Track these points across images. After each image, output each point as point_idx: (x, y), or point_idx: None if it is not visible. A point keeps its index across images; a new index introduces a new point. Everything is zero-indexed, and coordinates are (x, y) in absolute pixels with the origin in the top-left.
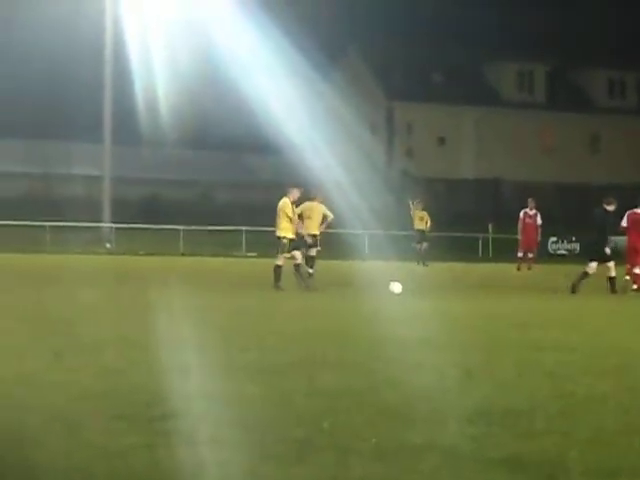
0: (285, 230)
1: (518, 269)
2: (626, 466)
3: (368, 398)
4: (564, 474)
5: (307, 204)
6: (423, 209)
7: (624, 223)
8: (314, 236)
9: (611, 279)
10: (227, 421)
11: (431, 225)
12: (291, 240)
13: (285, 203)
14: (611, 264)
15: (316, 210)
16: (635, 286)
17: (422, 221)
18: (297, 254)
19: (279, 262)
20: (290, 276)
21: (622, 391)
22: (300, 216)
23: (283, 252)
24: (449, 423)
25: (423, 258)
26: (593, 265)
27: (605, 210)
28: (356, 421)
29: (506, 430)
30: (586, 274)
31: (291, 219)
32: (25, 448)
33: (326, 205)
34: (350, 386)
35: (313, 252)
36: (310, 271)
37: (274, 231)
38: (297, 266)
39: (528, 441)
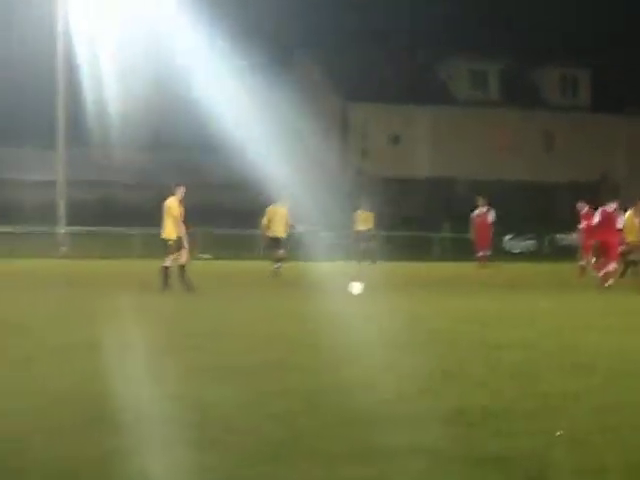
0: (170, 232)
1: (480, 267)
2: (608, 464)
3: (343, 400)
4: (553, 473)
5: (272, 208)
6: (369, 211)
7: (596, 219)
8: (278, 239)
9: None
10: (203, 424)
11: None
12: (177, 241)
13: (172, 203)
14: None
15: (279, 213)
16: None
17: (366, 222)
18: (183, 253)
19: (166, 264)
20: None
21: (593, 389)
22: (269, 220)
23: (171, 254)
24: (429, 424)
25: (371, 257)
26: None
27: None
28: (334, 422)
29: (487, 430)
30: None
31: (177, 220)
32: (7, 456)
33: (290, 209)
34: (323, 388)
35: (280, 254)
36: (276, 266)
37: (227, 233)
38: (181, 267)
39: (510, 440)
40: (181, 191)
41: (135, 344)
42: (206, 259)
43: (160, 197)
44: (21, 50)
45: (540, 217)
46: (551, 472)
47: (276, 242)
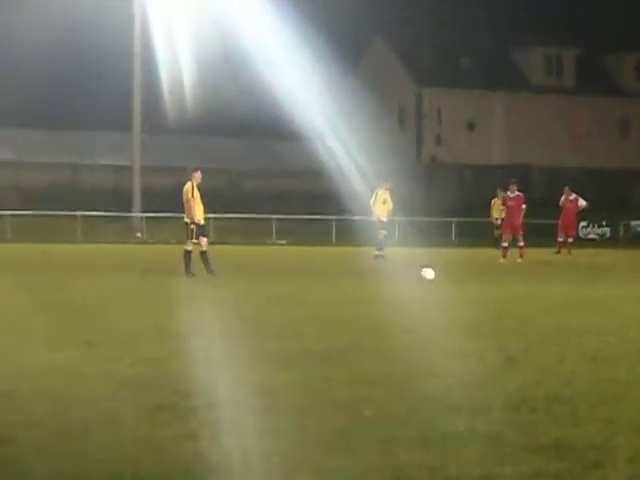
0: (189, 216)
1: (558, 252)
2: None
3: (408, 386)
4: (610, 461)
5: (377, 191)
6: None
7: None
8: (381, 221)
9: None
10: (268, 409)
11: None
12: (199, 225)
13: (189, 187)
14: None
15: (381, 197)
16: None
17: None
18: (203, 240)
19: (188, 248)
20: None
21: None
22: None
23: (191, 238)
24: (492, 410)
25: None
26: None
27: None
28: (397, 409)
29: (550, 417)
30: None
31: (193, 204)
32: (71, 440)
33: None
34: (389, 374)
35: (380, 235)
36: (377, 253)
37: (302, 219)
38: (203, 253)
39: (573, 428)
40: (197, 176)
41: (204, 329)
42: (281, 244)
43: (233, 183)
44: (97, 35)
45: (615, 204)
46: (609, 460)
47: (380, 224)
